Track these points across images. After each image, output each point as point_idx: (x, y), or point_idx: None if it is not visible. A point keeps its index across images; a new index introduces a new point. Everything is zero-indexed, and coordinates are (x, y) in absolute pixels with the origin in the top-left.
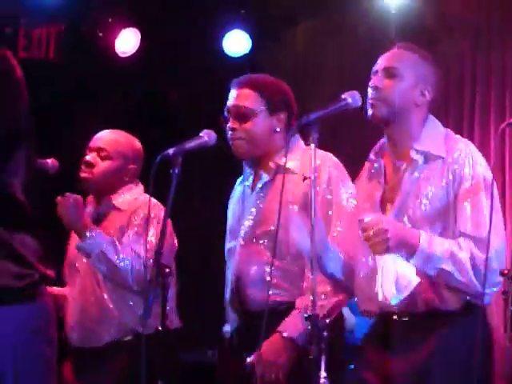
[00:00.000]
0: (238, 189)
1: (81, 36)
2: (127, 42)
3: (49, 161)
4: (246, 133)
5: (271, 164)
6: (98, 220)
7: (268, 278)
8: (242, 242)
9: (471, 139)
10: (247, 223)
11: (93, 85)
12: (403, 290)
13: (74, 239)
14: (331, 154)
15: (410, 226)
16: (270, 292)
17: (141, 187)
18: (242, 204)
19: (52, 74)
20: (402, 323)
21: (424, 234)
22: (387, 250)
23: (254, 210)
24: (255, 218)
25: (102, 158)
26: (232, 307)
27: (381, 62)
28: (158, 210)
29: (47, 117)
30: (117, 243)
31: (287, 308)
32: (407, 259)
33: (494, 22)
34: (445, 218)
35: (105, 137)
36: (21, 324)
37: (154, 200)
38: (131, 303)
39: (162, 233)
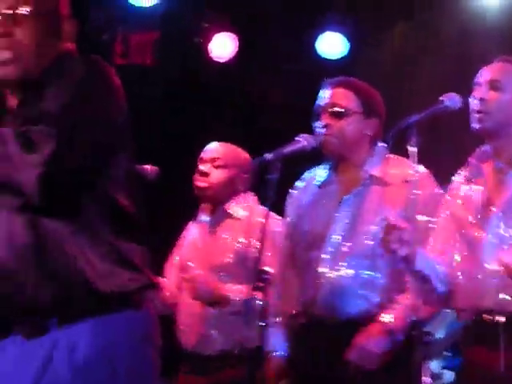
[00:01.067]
0: (315, 190)
1: (177, 42)
2: (223, 46)
3: (148, 167)
4: (340, 130)
5: (363, 174)
6: (213, 228)
7: (360, 291)
8: (332, 251)
9: None
10: (336, 235)
11: (189, 90)
12: None
13: (188, 241)
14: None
15: None
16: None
17: (254, 197)
18: (324, 213)
19: (149, 79)
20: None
21: None
22: None
23: (345, 221)
24: (346, 231)
25: (217, 167)
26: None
27: (485, 75)
28: (274, 225)
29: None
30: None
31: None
32: None
33: None
34: None
35: (217, 147)
36: (131, 331)
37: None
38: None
39: (262, 238)
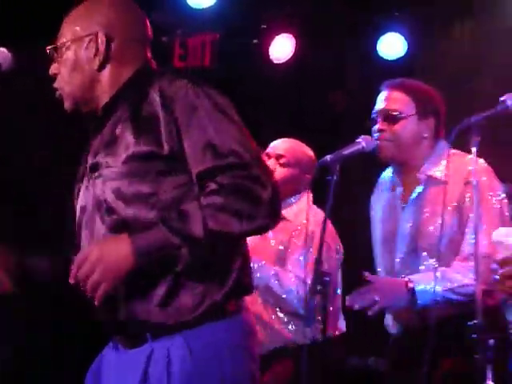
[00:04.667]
0: (385, 195)
1: (236, 44)
2: (282, 48)
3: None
4: (394, 135)
5: (421, 176)
6: None
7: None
8: (402, 256)
9: None
10: (404, 238)
11: (249, 91)
12: None
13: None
14: (482, 160)
15: None
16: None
17: (310, 197)
18: (394, 215)
19: (207, 82)
20: None
21: None
22: None
23: (409, 224)
24: (412, 232)
25: (281, 165)
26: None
27: None
28: (318, 227)
29: None
30: (280, 275)
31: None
32: None
33: None
34: None
35: (284, 144)
36: (228, 341)
37: (319, 214)
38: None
39: (321, 240)
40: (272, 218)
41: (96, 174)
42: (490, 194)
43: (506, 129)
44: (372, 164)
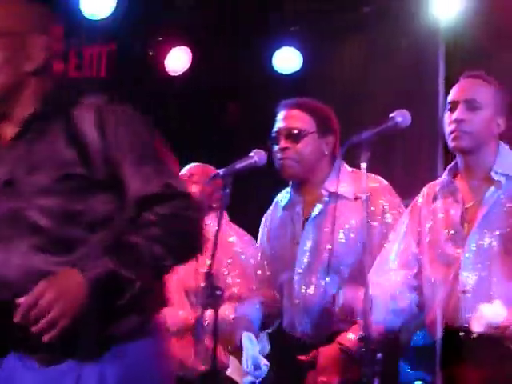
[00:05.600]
0: (281, 213)
1: (132, 55)
2: (178, 60)
3: None
4: (297, 153)
5: (323, 191)
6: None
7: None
8: (300, 272)
9: None
10: (304, 254)
11: (144, 103)
12: None
13: None
14: (380, 177)
15: (495, 244)
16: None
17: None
18: (292, 232)
19: (102, 92)
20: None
21: None
22: None
23: (309, 240)
24: (312, 249)
25: (194, 182)
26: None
27: (459, 94)
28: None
29: None
30: None
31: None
32: None
33: None
34: None
35: (196, 167)
36: (151, 358)
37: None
38: None
39: (213, 255)
40: (199, 250)
41: (11, 188)
42: (393, 212)
43: (397, 144)
44: (265, 179)
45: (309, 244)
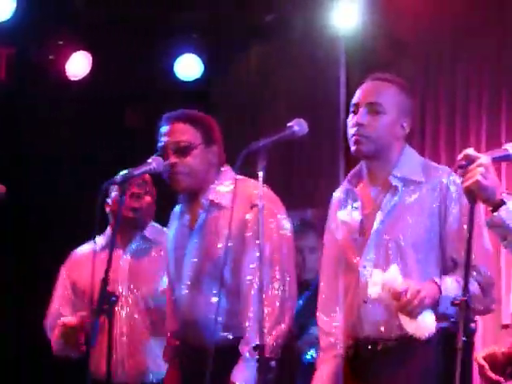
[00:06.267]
0: (176, 224)
1: (32, 59)
2: (78, 65)
3: None
4: (188, 167)
5: (203, 201)
6: None
7: (218, 318)
8: (188, 282)
9: None
10: (191, 264)
11: (43, 108)
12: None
13: None
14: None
15: (394, 250)
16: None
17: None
18: (183, 243)
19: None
20: (377, 352)
21: (438, 281)
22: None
23: (195, 250)
24: (197, 258)
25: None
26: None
27: (361, 96)
28: None
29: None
30: None
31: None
32: (433, 309)
33: (446, 45)
34: (430, 245)
35: None
36: None
37: None
38: None
39: (109, 261)
40: None
41: None
42: (270, 220)
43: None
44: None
45: (194, 254)
